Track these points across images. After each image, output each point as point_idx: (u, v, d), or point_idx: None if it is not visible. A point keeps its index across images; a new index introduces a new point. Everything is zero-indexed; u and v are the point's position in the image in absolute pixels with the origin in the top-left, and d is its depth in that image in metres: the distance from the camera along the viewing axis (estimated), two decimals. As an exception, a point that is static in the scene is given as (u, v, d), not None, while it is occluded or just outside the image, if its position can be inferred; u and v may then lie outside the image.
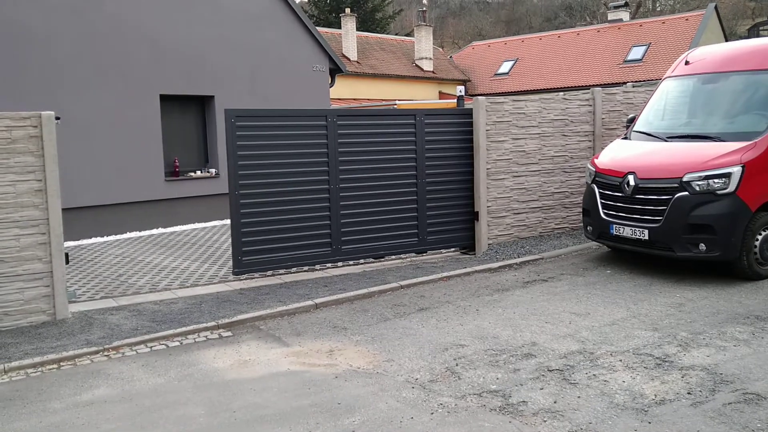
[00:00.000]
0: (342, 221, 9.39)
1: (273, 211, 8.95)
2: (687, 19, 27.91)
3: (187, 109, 14.73)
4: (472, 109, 10.20)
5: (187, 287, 8.82)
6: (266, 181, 8.89)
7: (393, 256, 9.99)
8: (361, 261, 9.82)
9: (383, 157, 9.65)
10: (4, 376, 5.96)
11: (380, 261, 9.85)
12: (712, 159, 7.90)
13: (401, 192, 9.83)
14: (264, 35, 15.43)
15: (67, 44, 12.51)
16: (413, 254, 10.13)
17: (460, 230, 10.25)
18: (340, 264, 9.63)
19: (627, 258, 9.21)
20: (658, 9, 48.72)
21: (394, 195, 9.77)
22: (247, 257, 8.88)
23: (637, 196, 8.32)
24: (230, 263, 10.11)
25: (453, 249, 10.39)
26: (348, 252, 9.55)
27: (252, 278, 9.14)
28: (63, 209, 7.57)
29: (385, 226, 9.74)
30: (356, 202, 9.48)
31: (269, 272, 9.22)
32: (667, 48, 26.52)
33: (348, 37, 27.67)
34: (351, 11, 28.72)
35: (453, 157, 10.13)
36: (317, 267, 9.49)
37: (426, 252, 10.20)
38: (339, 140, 9.29)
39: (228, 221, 14.27)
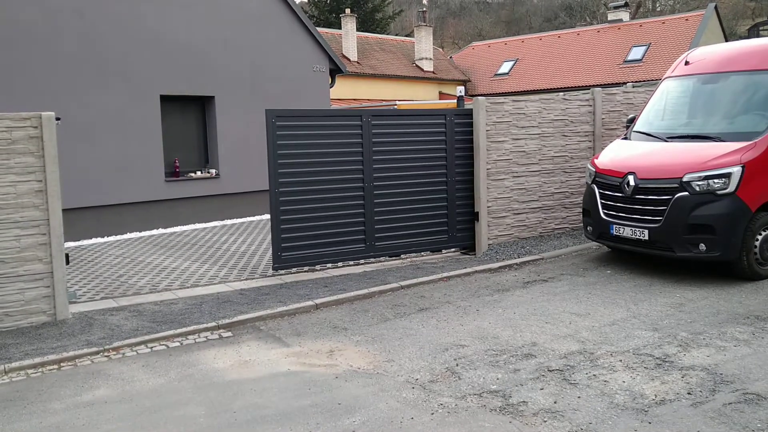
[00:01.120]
0: (375, 218, 9.65)
1: (310, 209, 9.20)
2: (687, 20, 27.91)
3: (188, 110, 14.74)
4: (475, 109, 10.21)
5: (188, 288, 8.83)
6: (304, 179, 9.14)
7: (424, 253, 10.18)
8: (394, 257, 10.01)
9: (415, 156, 9.91)
10: (5, 376, 5.96)
11: (399, 258, 9.98)
12: (712, 159, 7.91)
13: (432, 190, 10.07)
14: (264, 36, 15.43)
15: (68, 45, 12.52)
16: (450, 251, 10.34)
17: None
18: (372, 260, 9.85)
19: (627, 258, 9.21)
20: (658, 9, 48.73)
21: (425, 193, 10.03)
22: (286, 253, 9.15)
23: (637, 197, 8.32)
24: (230, 264, 10.13)
25: (454, 249, 10.40)
26: (381, 248, 9.82)
27: (252, 278, 9.15)
28: (63, 210, 7.58)
29: (417, 223, 10.00)
30: (389, 200, 9.75)
31: (305, 268, 9.45)
32: (667, 48, 26.52)
33: (348, 37, 27.67)
34: (351, 12, 28.72)
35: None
36: (350, 263, 9.72)
37: (453, 249, 10.43)
38: (373, 139, 9.55)
39: (227, 222, 14.36)
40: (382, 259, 9.86)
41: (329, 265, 9.60)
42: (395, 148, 9.73)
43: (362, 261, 9.75)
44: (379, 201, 9.64)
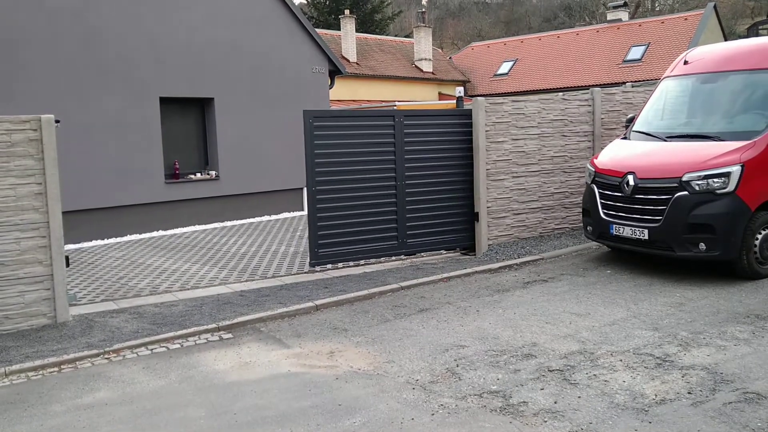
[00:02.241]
0: (407, 216, 9.88)
1: (345, 206, 9.44)
2: (686, 19, 27.91)
3: (187, 112, 14.74)
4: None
5: (188, 289, 8.83)
6: (339, 178, 9.38)
7: (452, 252, 10.28)
8: (424, 254, 10.20)
9: (443, 155, 10.11)
10: (5, 379, 5.97)
11: (412, 258, 10.06)
12: (712, 158, 7.91)
13: (457, 188, 10.26)
14: (263, 37, 15.44)
15: (67, 47, 12.52)
16: (450, 251, 10.42)
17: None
18: (403, 257, 10.03)
19: (627, 258, 9.21)
20: (657, 9, 48.73)
21: (449, 192, 10.22)
22: (322, 249, 9.38)
23: (637, 196, 8.32)
24: (230, 265, 10.14)
25: (453, 250, 10.41)
26: (412, 245, 10.04)
27: (252, 280, 9.16)
28: (63, 212, 7.58)
29: (445, 221, 10.17)
30: (419, 198, 9.98)
31: (340, 264, 9.65)
32: (666, 48, 26.52)
33: (347, 38, 27.67)
34: (350, 13, 28.72)
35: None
36: (382, 259, 9.94)
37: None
38: (405, 139, 9.78)
39: (227, 223, 14.37)
40: (391, 257, 10.02)
41: (394, 257, 9.87)
42: (425, 147, 9.97)
43: (394, 258, 9.99)
44: (411, 199, 9.89)
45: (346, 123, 9.61)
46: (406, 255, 10.02)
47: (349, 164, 9.42)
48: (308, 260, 9.57)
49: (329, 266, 9.56)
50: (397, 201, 9.78)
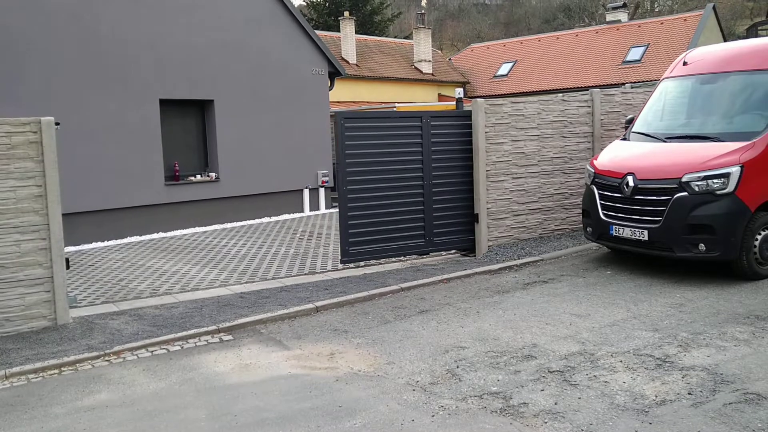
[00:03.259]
0: (434, 215, 10.03)
1: (374, 205, 9.61)
2: (685, 20, 27.92)
3: (187, 114, 14.75)
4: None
5: (188, 291, 8.83)
6: (368, 178, 9.55)
7: (424, 255, 10.27)
8: (452, 252, 10.36)
9: (467, 155, 10.22)
10: (6, 381, 5.97)
11: (412, 259, 10.09)
12: (711, 159, 7.91)
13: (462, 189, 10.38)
14: (263, 39, 15.45)
15: (67, 49, 12.53)
16: (450, 252, 10.47)
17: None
18: (431, 255, 10.22)
19: (627, 259, 9.21)
20: (657, 9, 48.76)
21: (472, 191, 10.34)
22: (353, 248, 9.54)
23: (637, 197, 8.33)
24: (230, 267, 10.14)
25: (454, 251, 10.41)
26: (438, 244, 10.18)
27: (253, 281, 9.16)
28: (63, 214, 7.59)
29: (469, 219, 10.26)
30: (445, 197, 10.12)
31: (372, 261, 9.84)
32: (665, 48, 26.53)
33: (347, 40, 27.68)
34: (350, 14, 28.73)
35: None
36: (412, 257, 10.14)
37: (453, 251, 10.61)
38: (432, 140, 9.94)
39: (227, 225, 14.37)
40: (441, 253, 10.20)
41: (329, 267, 9.58)
42: (450, 148, 10.12)
43: (422, 256, 10.17)
44: (437, 198, 10.04)
45: (376, 124, 9.82)
46: (434, 253, 10.24)
47: (378, 164, 9.61)
48: (339, 258, 9.74)
49: (329, 267, 9.56)
50: (425, 200, 9.95)
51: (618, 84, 22.47)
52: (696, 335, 6.15)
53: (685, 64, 9.55)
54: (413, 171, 9.84)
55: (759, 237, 7.91)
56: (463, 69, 33.09)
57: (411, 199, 9.85)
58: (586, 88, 18.09)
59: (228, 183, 14.85)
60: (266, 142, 15.48)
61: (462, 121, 10.22)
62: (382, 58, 29.51)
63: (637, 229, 8.31)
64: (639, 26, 29.39)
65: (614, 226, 8.60)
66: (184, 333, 6.92)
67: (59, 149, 7.56)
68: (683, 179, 7.91)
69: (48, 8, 12.28)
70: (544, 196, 10.84)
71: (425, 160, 9.89)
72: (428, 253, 10.17)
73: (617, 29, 29.63)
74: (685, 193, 7.89)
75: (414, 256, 10.13)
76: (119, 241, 12.90)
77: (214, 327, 7.07)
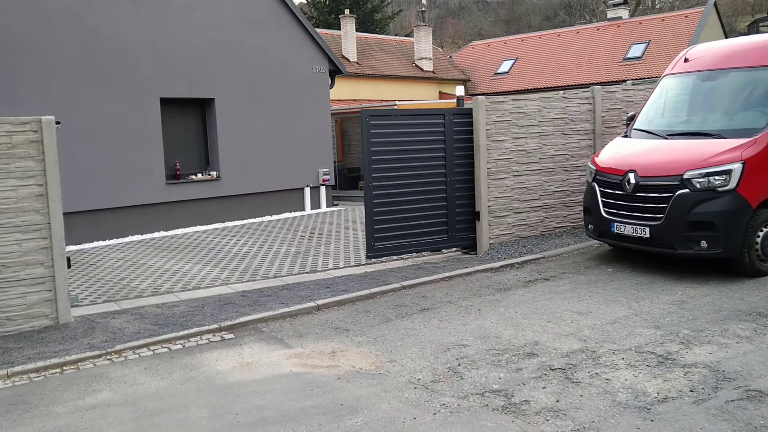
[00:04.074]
0: (456, 210, 10.19)
1: (398, 201, 9.79)
2: (686, 16, 27.85)
3: (188, 113, 14.75)
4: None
5: (189, 290, 8.83)
6: (393, 174, 9.72)
7: (425, 253, 10.31)
8: (454, 250, 10.44)
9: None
10: (8, 380, 5.97)
11: (413, 257, 10.18)
12: (713, 156, 7.90)
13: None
14: (263, 38, 15.44)
15: (67, 49, 12.53)
16: (451, 250, 10.52)
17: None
18: (453, 250, 10.39)
19: (628, 256, 9.20)
20: (657, 6, 48.67)
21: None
22: (378, 243, 9.74)
23: (638, 194, 8.31)
24: (231, 266, 10.14)
25: (455, 249, 10.41)
26: (461, 239, 10.32)
27: (254, 280, 9.16)
28: (64, 213, 7.58)
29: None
30: (467, 194, 10.25)
31: (395, 256, 10.04)
32: (666, 45, 26.48)
33: (347, 38, 27.64)
34: (350, 12, 28.68)
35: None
36: (434, 251, 10.31)
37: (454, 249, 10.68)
38: (454, 136, 10.09)
39: (228, 224, 14.38)
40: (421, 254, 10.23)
41: (444, 250, 10.05)
42: (470, 144, 10.19)
43: (444, 250, 10.32)
44: (459, 194, 10.19)
45: (400, 121, 9.93)
46: (456, 248, 10.37)
47: (402, 161, 9.75)
48: (365, 253, 9.97)
49: (330, 266, 9.56)
50: (447, 197, 10.08)
51: (619, 81, 22.43)
52: (698, 332, 6.14)
53: (686, 60, 9.53)
54: (436, 167, 10.00)
55: (761, 234, 7.90)
56: (464, 66, 33.05)
57: (434, 195, 10.02)
58: (587, 86, 18.06)
59: (229, 182, 14.84)
60: (267, 141, 15.47)
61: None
62: (383, 56, 29.48)
63: (638, 227, 8.30)
64: (640, 23, 29.33)
65: (616, 224, 8.59)
66: (186, 332, 6.92)
67: (60, 148, 7.56)
68: (685, 176, 7.89)
69: (48, 8, 12.28)
70: (546, 194, 10.83)
71: (448, 156, 10.03)
72: (451, 248, 10.30)
73: (618, 26, 29.58)
74: (687, 190, 7.88)
75: (434, 251, 10.32)
76: (120, 240, 12.91)
77: (215, 326, 7.07)
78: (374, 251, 9.74)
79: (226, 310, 7.71)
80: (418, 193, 9.88)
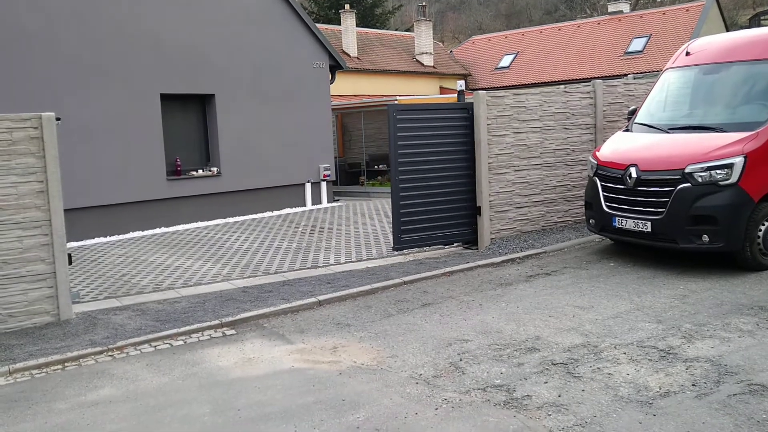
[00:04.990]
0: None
1: (423, 194, 9.89)
2: (687, 10, 27.78)
3: (188, 108, 14.72)
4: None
5: (191, 286, 8.83)
6: (419, 168, 9.82)
7: (426, 248, 10.30)
8: (455, 245, 10.43)
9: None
10: (9, 377, 5.97)
11: (414, 252, 10.15)
12: (714, 150, 7.88)
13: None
14: (264, 33, 15.40)
15: (67, 45, 12.50)
16: (452, 245, 10.54)
17: None
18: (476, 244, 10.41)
19: (630, 250, 9.19)
20: (658, 0, 48.55)
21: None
22: (405, 235, 9.88)
23: (640, 189, 8.30)
24: (233, 261, 10.14)
25: (456, 244, 10.40)
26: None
27: (255, 276, 9.16)
28: (65, 210, 7.58)
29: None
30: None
31: (425, 248, 10.17)
32: (667, 39, 26.41)
33: (348, 33, 27.59)
34: (350, 7, 28.62)
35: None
36: (455, 245, 10.41)
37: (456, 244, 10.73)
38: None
39: (229, 220, 14.37)
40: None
41: (332, 261, 9.57)
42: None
43: (468, 243, 10.32)
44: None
45: (426, 116, 10.01)
46: (461, 243, 10.38)
47: (427, 154, 9.83)
48: (392, 245, 10.11)
49: (332, 261, 9.55)
50: (470, 189, 10.14)
51: (620, 75, 22.38)
52: (700, 327, 6.13)
53: (687, 54, 9.50)
54: (461, 161, 10.06)
55: (762, 228, 7.89)
56: (465, 61, 32.99)
57: (459, 188, 10.09)
58: (588, 80, 18.02)
59: (229, 177, 14.83)
60: (267, 136, 15.45)
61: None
62: (383, 51, 29.43)
63: (640, 221, 8.28)
64: (641, 17, 29.26)
65: (617, 218, 8.58)
66: (187, 328, 6.92)
67: (60, 145, 7.55)
68: (686, 170, 7.88)
69: (49, 4, 12.25)
70: (547, 189, 10.82)
71: (471, 149, 10.08)
72: (475, 242, 10.30)
73: (619, 20, 29.51)
74: (689, 184, 7.86)
75: (459, 245, 10.40)
76: (121, 237, 12.91)
77: (217, 321, 7.07)
78: (400, 243, 9.88)
79: (228, 305, 7.71)
80: (443, 186, 9.98)
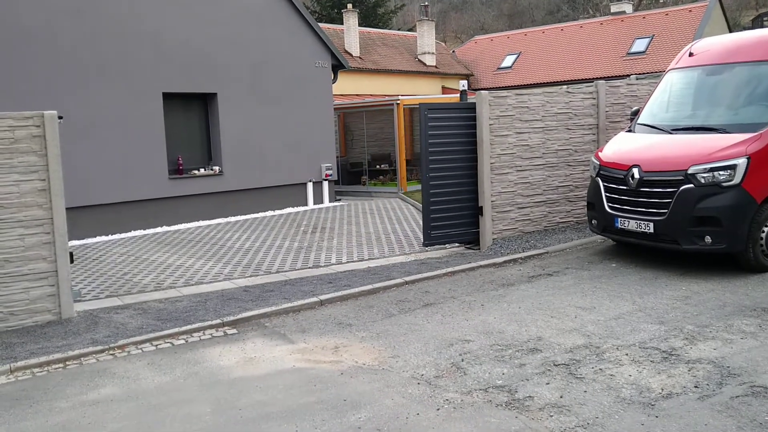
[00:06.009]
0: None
1: (451, 192, 10.08)
2: (690, 11, 27.73)
3: (190, 107, 14.72)
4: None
5: (192, 285, 8.83)
6: (447, 165, 10.00)
7: (428, 249, 10.35)
8: (456, 245, 10.50)
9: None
10: (11, 375, 5.97)
11: (416, 253, 10.17)
12: (717, 151, 7.86)
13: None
14: (266, 32, 15.40)
15: (69, 44, 12.50)
16: (453, 245, 10.61)
17: None
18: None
19: (632, 251, 9.17)
20: (661, 1, 48.48)
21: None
22: (434, 231, 10.10)
23: (642, 189, 8.28)
24: (234, 261, 10.14)
25: (457, 244, 10.39)
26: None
27: (257, 275, 9.16)
28: (67, 208, 7.58)
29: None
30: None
31: (447, 245, 10.34)
32: (670, 40, 26.37)
33: (350, 32, 27.58)
34: (353, 7, 28.61)
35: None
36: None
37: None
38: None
39: (231, 219, 14.37)
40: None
41: (333, 260, 9.57)
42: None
43: (470, 243, 10.39)
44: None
45: (454, 115, 10.13)
46: (462, 244, 10.44)
47: (456, 152, 9.98)
48: (422, 241, 10.30)
49: (333, 261, 9.54)
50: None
51: (623, 75, 22.34)
52: (702, 328, 6.12)
53: (691, 55, 9.48)
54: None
55: (766, 229, 7.87)
56: (467, 61, 32.97)
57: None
58: (590, 80, 17.99)
59: (231, 177, 14.83)
60: (269, 136, 15.45)
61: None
62: (386, 51, 29.42)
63: (642, 222, 8.27)
64: (644, 17, 29.21)
65: (619, 219, 8.56)
66: (189, 327, 6.92)
67: (62, 143, 7.55)
68: (689, 171, 7.86)
69: (50, 2, 12.25)
70: (549, 189, 10.80)
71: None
72: (477, 242, 10.32)
73: (622, 20, 29.47)
74: (691, 185, 7.84)
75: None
76: (123, 235, 12.91)
77: (218, 321, 7.07)
78: (430, 239, 10.08)
79: (229, 305, 7.70)
80: (470, 183, 10.08)
